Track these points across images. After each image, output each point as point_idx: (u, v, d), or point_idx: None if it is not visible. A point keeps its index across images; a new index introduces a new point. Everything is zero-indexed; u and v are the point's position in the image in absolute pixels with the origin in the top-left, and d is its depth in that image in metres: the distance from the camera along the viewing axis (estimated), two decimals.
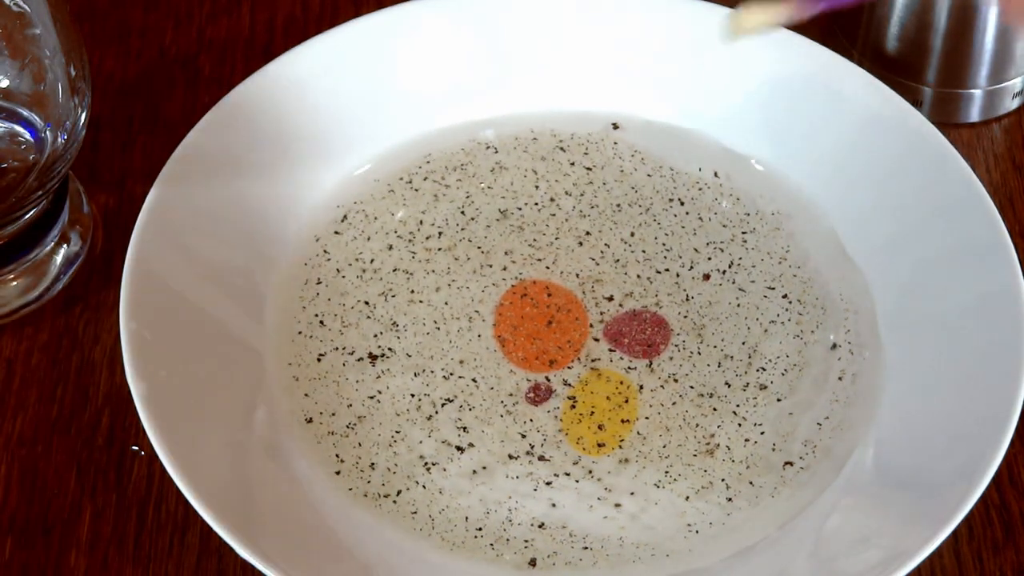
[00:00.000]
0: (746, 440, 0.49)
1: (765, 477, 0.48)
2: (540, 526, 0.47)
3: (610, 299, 0.53)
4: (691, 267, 0.54)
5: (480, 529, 0.47)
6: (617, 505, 0.48)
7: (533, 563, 0.47)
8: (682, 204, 0.56)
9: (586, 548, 0.47)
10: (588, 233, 0.55)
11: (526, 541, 0.47)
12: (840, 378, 0.51)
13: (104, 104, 0.60)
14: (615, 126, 0.58)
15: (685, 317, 0.53)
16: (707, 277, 0.54)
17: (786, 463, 0.49)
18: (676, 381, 0.51)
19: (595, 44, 0.58)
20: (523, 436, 0.50)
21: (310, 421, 0.50)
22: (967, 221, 0.51)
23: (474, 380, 0.51)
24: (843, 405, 0.50)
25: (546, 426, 0.50)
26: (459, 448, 0.49)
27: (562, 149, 0.58)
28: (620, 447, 0.49)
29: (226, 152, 0.54)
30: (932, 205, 0.52)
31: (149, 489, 0.49)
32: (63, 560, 0.48)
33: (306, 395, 0.50)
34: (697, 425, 0.50)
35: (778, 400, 0.50)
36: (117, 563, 0.48)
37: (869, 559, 0.44)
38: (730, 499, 0.48)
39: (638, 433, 0.50)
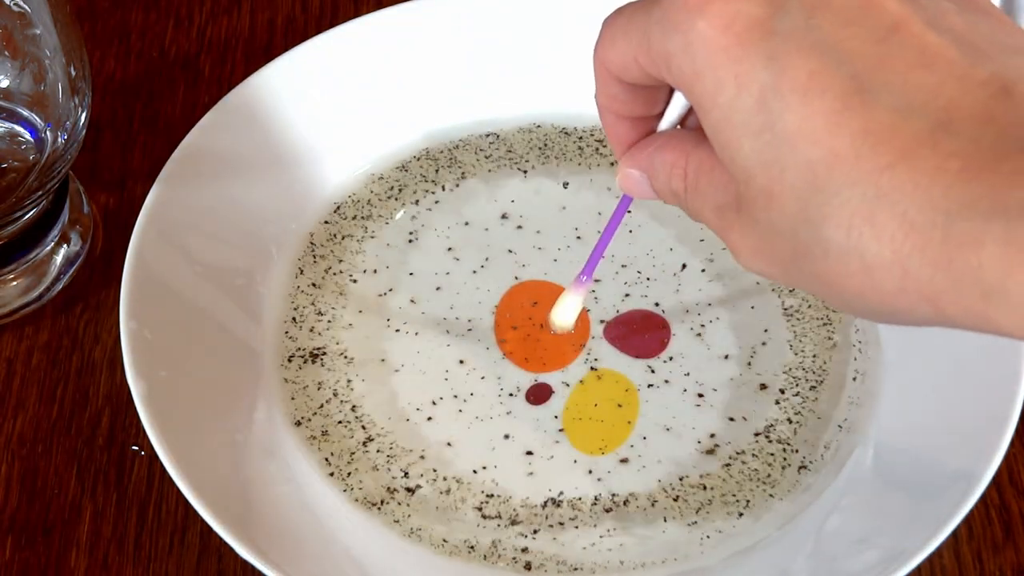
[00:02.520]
0: (745, 440, 0.49)
1: (765, 477, 0.48)
2: (539, 516, 0.47)
3: (611, 299, 0.53)
4: (692, 266, 0.54)
5: (482, 517, 0.47)
6: (618, 504, 0.48)
7: (528, 567, 0.47)
8: None
9: (585, 548, 0.47)
10: (590, 232, 0.55)
11: (524, 535, 0.47)
12: (852, 378, 0.51)
13: (104, 104, 0.60)
14: None
15: (684, 320, 0.53)
16: (710, 279, 0.54)
17: (786, 463, 0.49)
18: (675, 382, 0.51)
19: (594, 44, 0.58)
20: (523, 437, 0.49)
21: (298, 424, 0.50)
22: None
23: (472, 379, 0.51)
24: (846, 405, 0.50)
25: (546, 426, 0.50)
26: (457, 448, 0.49)
27: (564, 148, 0.58)
28: (619, 447, 0.49)
29: (226, 152, 0.54)
30: None
31: (149, 489, 0.49)
32: (63, 560, 0.48)
33: (296, 397, 0.50)
34: (694, 428, 0.50)
35: (777, 401, 0.50)
36: (117, 563, 0.48)
37: (869, 559, 0.44)
38: (728, 501, 0.48)
39: (637, 434, 0.50)
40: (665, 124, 0.38)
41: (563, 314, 0.48)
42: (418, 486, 0.48)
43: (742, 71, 0.31)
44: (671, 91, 0.38)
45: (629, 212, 0.55)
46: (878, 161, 0.29)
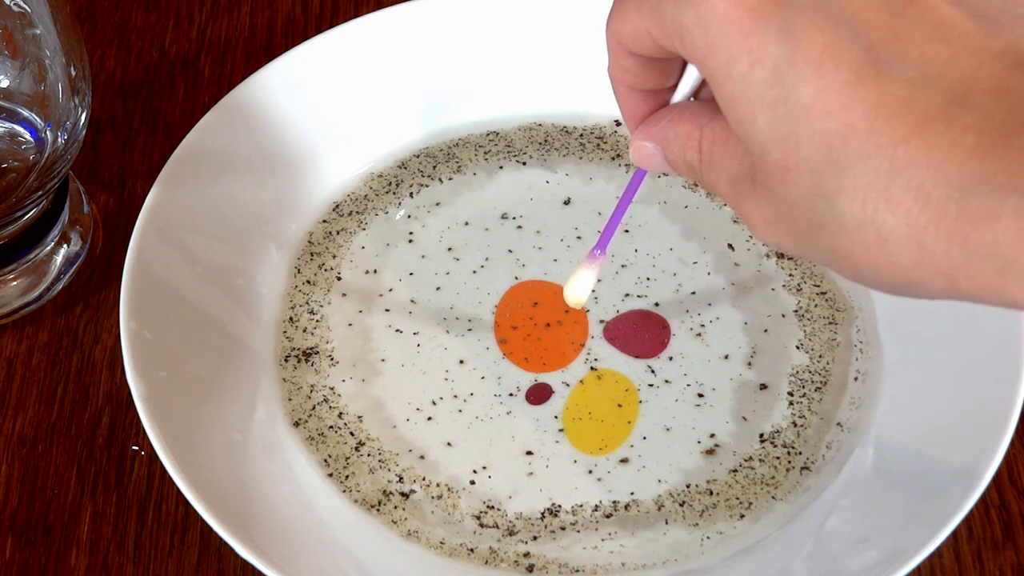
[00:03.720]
0: (746, 440, 0.49)
1: (769, 479, 0.48)
2: (538, 525, 0.47)
3: (611, 299, 0.53)
4: (693, 266, 0.54)
5: (480, 526, 0.47)
6: (619, 508, 0.48)
7: (531, 569, 0.47)
8: (685, 207, 0.56)
9: (586, 548, 0.47)
10: (590, 232, 0.55)
11: (524, 541, 0.47)
12: (854, 378, 0.51)
13: (104, 104, 0.60)
14: (618, 123, 0.58)
15: (684, 320, 0.52)
16: (709, 279, 0.54)
17: (790, 465, 0.49)
18: (675, 382, 0.51)
19: (595, 43, 0.58)
20: (523, 436, 0.49)
21: (297, 424, 0.50)
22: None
23: (472, 379, 0.51)
24: (847, 406, 0.50)
25: (546, 426, 0.50)
26: (457, 448, 0.49)
27: (565, 147, 0.58)
28: (620, 447, 0.49)
29: (226, 152, 0.54)
30: None
31: (149, 489, 0.49)
32: (63, 560, 0.48)
33: (293, 398, 0.50)
34: (694, 428, 0.50)
35: (779, 400, 0.50)
36: (117, 563, 0.48)
37: (869, 559, 0.44)
38: (732, 504, 0.48)
39: (638, 434, 0.49)
40: (678, 96, 0.38)
41: (576, 289, 0.47)
42: (412, 491, 0.48)
43: (756, 44, 0.31)
44: (684, 63, 0.37)
45: (634, 203, 0.55)
46: (892, 135, 0.29)
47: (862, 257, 0.31)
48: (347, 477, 0.48)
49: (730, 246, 0.54)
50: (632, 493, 0.48)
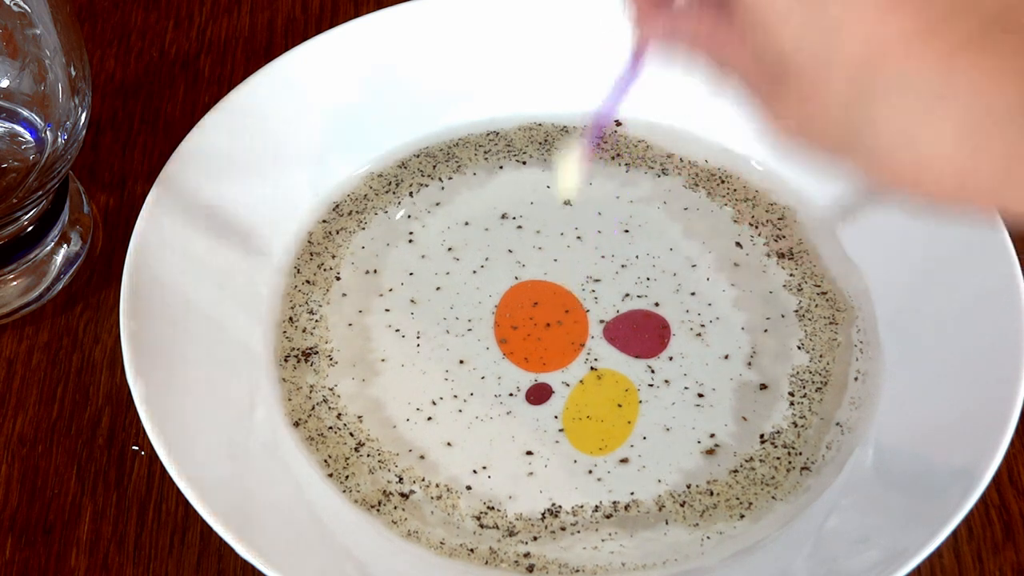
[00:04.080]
0: (746, 440, 0.49)
1: (770, 480, 0.48)
2: (538, 525, 0.47)
3: (611, 299, 0.53)
4: (693, 267, 0.54)
5: (480, 527, 0.47)
6: (619, 508, 0.48)
7: (531, 569, 0.47)
8: (685, 208, 0.56)
9: (586, 549, 0.47)
10: (590, 232, 0.55)
11: (524, 542, 0.47)
12: (854, 378, 0.51)
13: (104, 104, 0.60)
14: (618, 123, 0.58)
15: (684, 320, 0.52)
16: (709, 279, 0.54)
17: (791, 466, 0.49)
18: (675, 382, 0.51)
19: (595, 44, 0.58)
20: (523, 436, 0.49)
21: (297, 424, 0.50)
22: (965, 221, 0.51)
23: (472, 379, 0.51)
24: (847, 406, 0.50)
25: (546, 426, 0.50)
26: (457, 448, 0.49)
27: (565, 147, 0.58)
28: (620, 447, 0.49)
29: (226, 152, 0.54)
30: None
31: (149, 489, 0.49)
32: (63, 560, 0.48)
33: (292, 398, 0.50)
34: (694, 428, 0.50)
35: (779, 400, 0.50)
36: (117, 563, 0.48)
37: (869, 559, 0.44)
38: (732, 504, 0.48)
39: (637, 434, 0.49)
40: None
41: (566, 175, 0.44)
42: (412, 491, 0.48)
43: None
44: None
45: (634, 202, 0.56)
46: (935, 54, 0.28)
47: (898, 177, 0.29)
48: (347, 477, 0.48)
49: (738, 244, 0.54)
50: (632, 493, 0.48)
